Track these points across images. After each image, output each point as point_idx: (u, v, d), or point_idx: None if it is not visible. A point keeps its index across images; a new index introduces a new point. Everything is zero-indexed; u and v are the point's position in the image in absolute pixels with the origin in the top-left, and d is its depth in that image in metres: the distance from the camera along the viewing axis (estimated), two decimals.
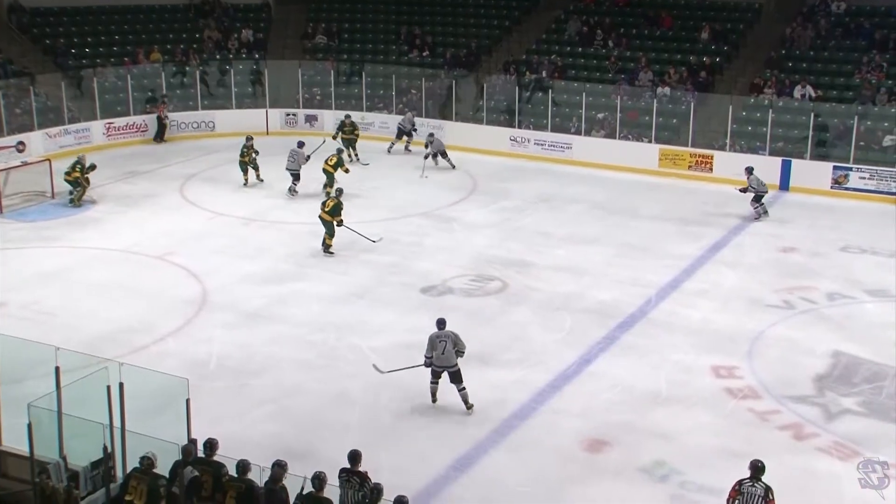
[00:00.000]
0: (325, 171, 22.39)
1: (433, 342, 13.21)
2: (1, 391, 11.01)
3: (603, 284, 17.77)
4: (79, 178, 21.85)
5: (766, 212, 21.56)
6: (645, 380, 14.18)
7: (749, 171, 21.49)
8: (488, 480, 11.66)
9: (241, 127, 28.02)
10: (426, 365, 13.28)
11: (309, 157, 22.98)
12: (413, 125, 27.27)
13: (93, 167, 22.38)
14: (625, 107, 26.53)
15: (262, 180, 23.68)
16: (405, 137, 27.22)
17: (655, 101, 26.26)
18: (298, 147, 22.92)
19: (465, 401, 13.12)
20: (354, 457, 9.92)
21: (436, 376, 13.27)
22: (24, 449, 10.04)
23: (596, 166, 25.71)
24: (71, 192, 21.88)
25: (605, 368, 14.57)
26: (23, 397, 9.90)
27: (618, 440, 12.56)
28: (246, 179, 23.66)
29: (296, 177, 22.73)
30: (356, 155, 26.02)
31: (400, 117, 28.21)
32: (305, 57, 31.37)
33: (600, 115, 26.85)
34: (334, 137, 25.93)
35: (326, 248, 19.15)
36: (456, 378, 13.15)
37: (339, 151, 22.56)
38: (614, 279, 18.03)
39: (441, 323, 13.47)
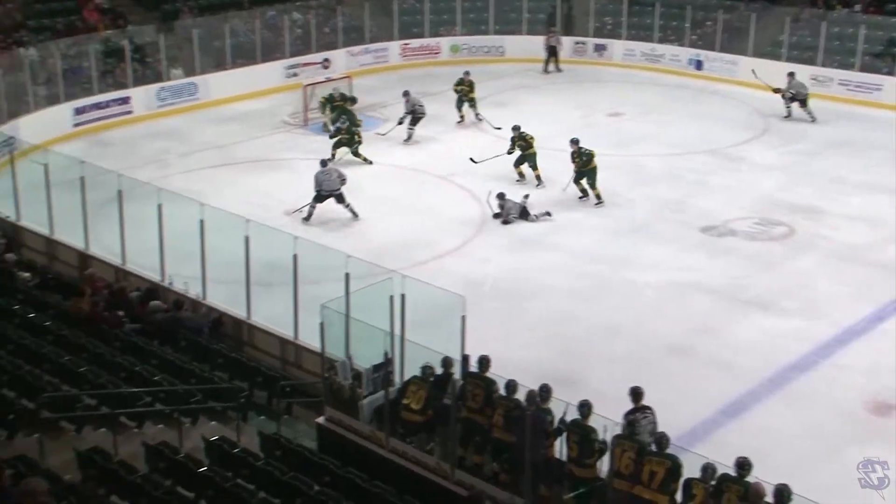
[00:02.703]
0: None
1: (318, 178, 16.91)
2: (299, 291, 11.94)
3: None
4: (324, 103, 22.54)
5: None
6: None
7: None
8: (760, 430, 11.30)
9: (530, 53, 28.23)
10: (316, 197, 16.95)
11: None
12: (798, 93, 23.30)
13: (353, 100, 22.48)
14: None
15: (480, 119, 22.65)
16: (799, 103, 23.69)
17: None
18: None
19: (354, 212, 17.01)
20: (640, 393, 9.77)
21: (320, 200, 16.86)
22: (316, 345, 10.85)
23: None
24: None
25: None
26: (317, 298, 10.64)
27: None
28: (461, 116, 22.92)
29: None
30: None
31: (693, 51, 27.25)
32: None
33: None
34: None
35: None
36: (341, 199, 16.92)
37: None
38: None
39: (324, 162, 17.43)
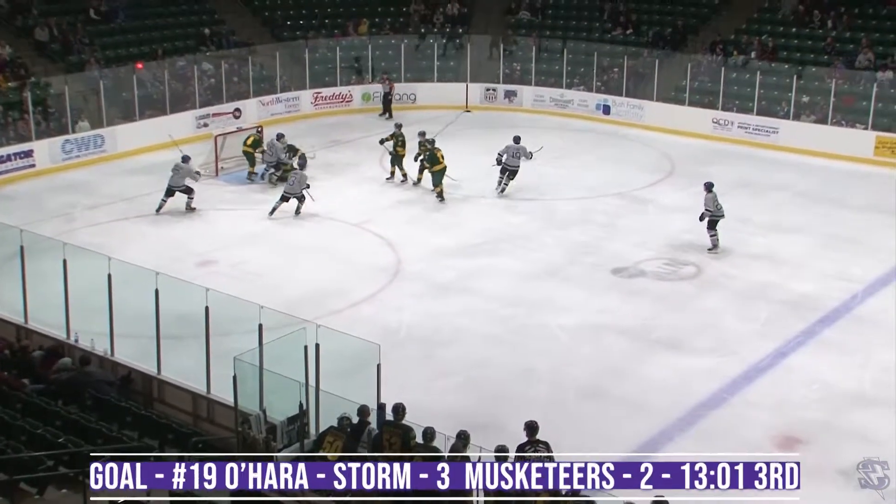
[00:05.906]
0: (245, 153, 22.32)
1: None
2: (211, 344, 11.73)
3: (805, 276, 16.98)
4: (249, 152, 22.35)
5: (716, 244, 17.94)
6: (847, 379, 13.49)
7: (708, 187, 18.19)
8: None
9: (441, 100, 28.56)
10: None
11: (198, 172, 20.51)
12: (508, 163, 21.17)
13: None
14: (840, 91, 25.14)
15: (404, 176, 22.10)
16: None
17: (875, 85, 24.70)
18: (183, 162, 20.17)
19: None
20: (534, 427, 9.87)
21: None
22: (229, 399, 10.66)
23: (803, 153, 24.42)
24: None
25: (803, 363, 13.97)
26: (229, 351, 10.49)
27: (814, 439, 12.03)
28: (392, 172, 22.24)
29: (185, 190, 20.05)
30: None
31: (601, 96, 27.90)
32: (508, 32, 31.38)
33: (806, 99, 25.56)
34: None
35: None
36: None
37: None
38: (818, 271, 17.19)
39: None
